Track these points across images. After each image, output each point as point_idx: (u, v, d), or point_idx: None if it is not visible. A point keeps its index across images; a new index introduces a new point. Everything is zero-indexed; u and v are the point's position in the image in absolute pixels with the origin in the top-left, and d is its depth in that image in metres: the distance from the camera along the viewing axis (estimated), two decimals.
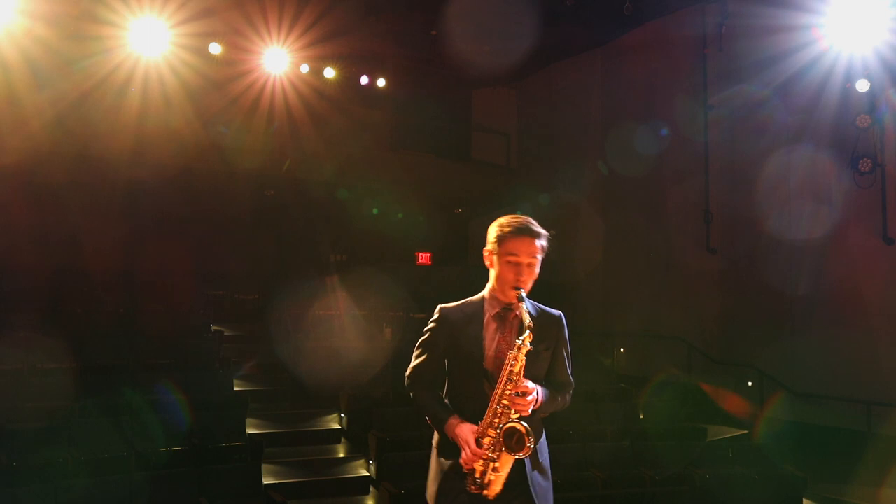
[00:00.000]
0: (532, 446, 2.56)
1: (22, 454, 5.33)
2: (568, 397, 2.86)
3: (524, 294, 2.69)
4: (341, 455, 7.37)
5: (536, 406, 2.65)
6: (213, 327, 9.21)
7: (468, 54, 10.63)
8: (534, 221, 2.77)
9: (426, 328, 2.87)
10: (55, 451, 5.54)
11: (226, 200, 11.02)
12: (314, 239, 12.04)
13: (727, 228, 9.87)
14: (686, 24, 10.12)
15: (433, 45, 11.06)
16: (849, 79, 8.07)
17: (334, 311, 9.83)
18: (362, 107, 11.97)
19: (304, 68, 10.46)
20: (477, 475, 2.62)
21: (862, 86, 7.92)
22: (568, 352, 2.87)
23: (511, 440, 2.57)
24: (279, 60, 10.16)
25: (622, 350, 11.11)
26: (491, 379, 2.70)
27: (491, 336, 2.76)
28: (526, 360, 2.60)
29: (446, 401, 2.82)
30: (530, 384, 2.62)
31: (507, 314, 2.78)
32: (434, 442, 2.85)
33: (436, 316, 2.85)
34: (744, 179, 9.47)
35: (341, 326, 9.67)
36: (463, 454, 2.63)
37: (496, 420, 2.61)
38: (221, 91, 10.18)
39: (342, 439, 7.59)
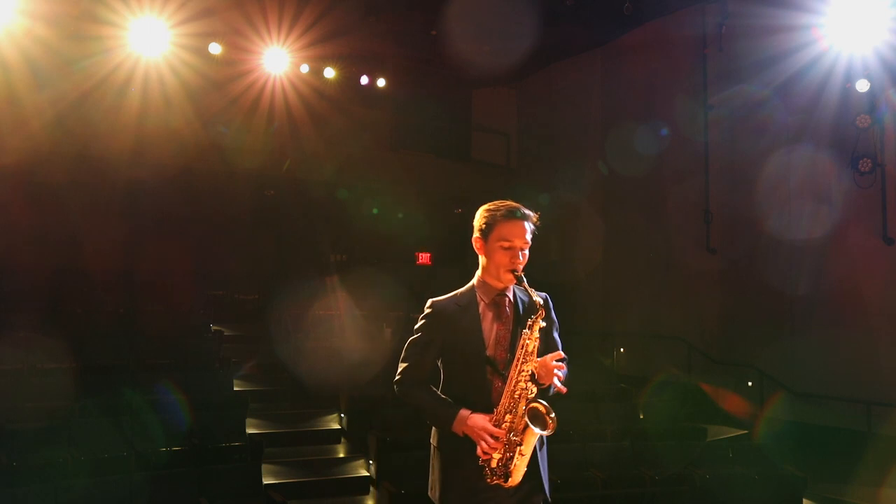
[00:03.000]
0: (555, 421, 2.52)
1: (22, 454, 5.32)
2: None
3: (522, 276, 2.68)
4: (341, 455, 7.37)
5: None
6: (213, 327, 9.20)
7: (468, 54, 10.63)
8: (520, 205, 2.75)
9: (418, 325, 2.78)
10: (55, 451, 5.53)
11: (226, 200, 11.01)
12: (314, 239, 12.03)
13: (727, 228, 9.87)
14: (686, 24, 10.11)
15: (433, 45, 11.05)
16: (849, 79, 8.07)
17: (334, 311, 9.83)
18: (362, 107, 11.97)
19: (304, 68, 10.46)
20: (494, 464, 2.57)
21: (862, 86, 7.91)
22: (558, 330, 2.85)
23: (535, 420, 2.54)
24: (279, 60, 10.16)
25: (622, 350, 11.11)
26: (495, 366, 2.67)
27: (489, 323, 2.72)
28: (539, 339, 2.59)
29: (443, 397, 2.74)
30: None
31: (501, 300, 2.76)
32: (434, 442, 2.77)
33: (428, 311, 2.77)
34: (744, 179, 9.47)
35: (341, 326, 9.66)
36: (481, 445, 2.56)
37: (514, 404, 2.57)
38: (221, 91, 10.18)
39: (342, 439, 7.59)
